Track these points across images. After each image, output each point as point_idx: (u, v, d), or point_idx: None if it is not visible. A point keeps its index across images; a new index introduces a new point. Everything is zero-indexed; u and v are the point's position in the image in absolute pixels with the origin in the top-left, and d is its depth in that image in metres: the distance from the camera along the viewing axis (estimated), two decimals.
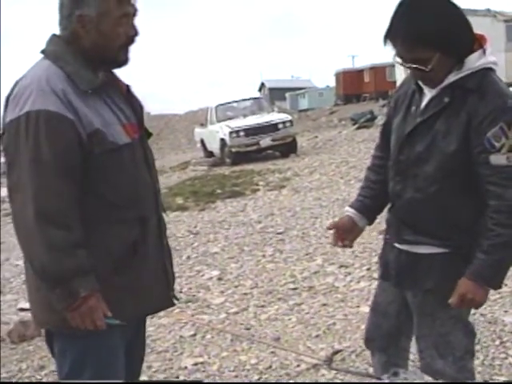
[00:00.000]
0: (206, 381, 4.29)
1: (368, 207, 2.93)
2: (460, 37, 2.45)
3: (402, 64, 2.52)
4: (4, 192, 22.24)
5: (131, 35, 2.39)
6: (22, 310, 6.62)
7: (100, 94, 2.32)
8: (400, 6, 2.47)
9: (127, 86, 2.52)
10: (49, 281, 2.20)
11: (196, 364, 4.58)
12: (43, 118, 2.17)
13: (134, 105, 2.51)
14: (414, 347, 2.95)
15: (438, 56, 2.41)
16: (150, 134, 2.60)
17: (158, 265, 2.50)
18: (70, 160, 2.21)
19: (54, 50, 2.34)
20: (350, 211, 2.94)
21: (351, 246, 3.01)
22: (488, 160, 2.42)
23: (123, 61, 2.42)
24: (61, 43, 2.36)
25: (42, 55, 2.39)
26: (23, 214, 2.17)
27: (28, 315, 6.25)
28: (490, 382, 3.78)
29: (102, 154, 2.26)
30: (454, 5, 2.48)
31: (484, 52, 2.50)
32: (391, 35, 2.47)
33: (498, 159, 2.41)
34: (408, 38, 2.43)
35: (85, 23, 2.30)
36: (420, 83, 2.61)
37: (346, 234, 2.93)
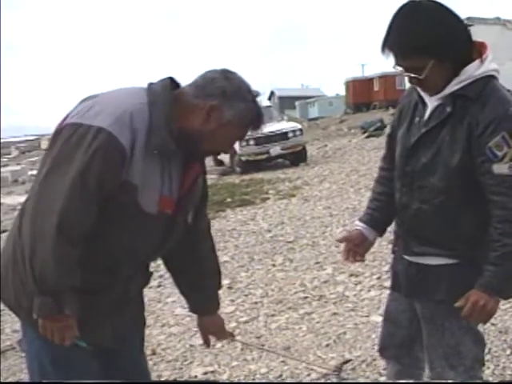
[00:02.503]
0: None
1: (377, 220, 2.92)
2: (455, 44, 2.44)
3: (401, 72, 2.53)
4: (13, 200, 22.27)
5: (223, 151, 2.53)
6: None
7: (162, 157, 2.31)
8: (395, 15, 2.48)
9: (198, 174, 2.53)
10: (42, 287, 2.16)
11: (206, 373, 4.58)
12: (109, 143, 2.17)
13: (192, 190, 2.50)
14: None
15: (432, 63, 2.42)
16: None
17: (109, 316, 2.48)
18: (104, 190, 2.21)
19: (158, 94, 2.33)
20: (359, 225, 2.93)
21: (363, 260, 3.01)
22: (490, 169, 2.42)
23: (194, 159, 2.46)
24: (168, 94, 2.35)
25: (146, 85, 2.39)
26: (45, 217, 2.14)
27: None
28: (489, 382, 3.77)
29: (120, 204, 2.26)
30: (451, 12, 2.47)
31: (482, 60, 2.50)
32: (387, 45, 2.48)
33: (500, 168, 2.41)
34: (402, 47, 2.44)
35: (211, 113, 2.32)
36: (421, 93, 2.62)
37: (356, 247, 2.92)
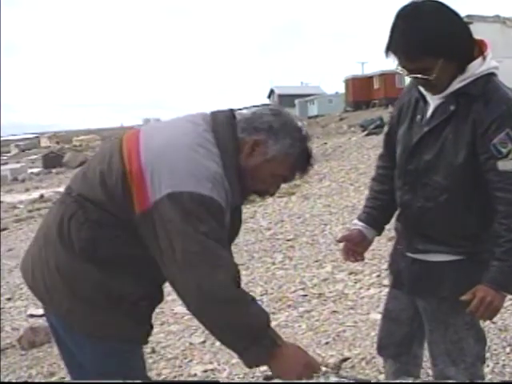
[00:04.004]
0: None
1: (376, 218, 2.92)
2: (461, 42, 2.45)
3: (405, 74, 2.52)
4: (12, 198, 22.30)
5: (268, 192, 2.49)
6: (32, 316, 6.63)
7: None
8: (398, 17, 2.46)
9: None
10: (255, 336, 2.26)
11: (206, 371, 4.58)
12: (218, 208, 2.24)
13: (235, 222, 2.52)
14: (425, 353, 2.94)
15: (441, 62, 2.41)
16: None
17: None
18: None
19: (227, 142, 2.34)
20: (358, 224, 2.93)
21: (363, 259, 3.01)
22: (495, 166, 2.43)
23: (238, 202, 2.46)
24: (235, 140, 2.35)
25: (210, 118, 2.41)
26: (216, 286, 2.20)
27: (38, 321, 6.27)
28: (488, 382, 3.76)
29: None
30: (452, 11, 2.47)
31: (484, 58, 2.51)
32: (392, 48, 2.47)
33: (505, 165, 2.43)
34: (409, 50, 2.43)
35: (255, 148, 2.34)
36: (423, 91, 2.61)
37: (356, 247, 2.92)
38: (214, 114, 2.42)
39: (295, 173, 2.44)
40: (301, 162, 2.41)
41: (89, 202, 2.34)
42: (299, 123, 2.42)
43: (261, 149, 2.33)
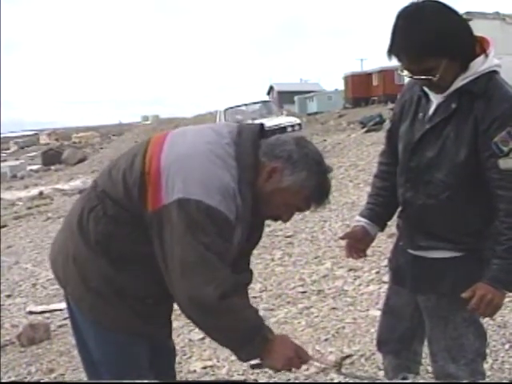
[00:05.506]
0: None
1: (379, 215, 2.92)
2: (463, 41, 2.45)
3: (409, 76, 2.51)
4: (11, 195, 22.31)
5: (280, 218, 2.53)
6: (31, 313, 6.64)
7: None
8: (398, 19, 2.45)
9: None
10: (250, 335, 2.33)
11: (205, 367, 4.58)
12: (225, 221, 2.28)
13: (253, 236, 2.62)
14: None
15: (445, 63, 2.41)
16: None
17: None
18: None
19: (246, 157, 2.37)
20: (362, 221, 2.93)
21: (365, 256, 3.01)
22: (496, 164, 2.43)
23: (250, 217, 2.48)
24: (252, 154, 2.38)
25: (236, 130, 2.44)
26: (205, 298, 2.26)
27: (37, 318, 6.28)
28: (488, 382, 3.77)
29: None
30: (452, 10, 2.46)
31: (487, 55, 2.50)
32: (395, 50, 2.46)
33: (506, 163, 2.42)
34: (413, 51, 2.41)
35: (272, 174, 2.37)
36: (426, 90, 2.61)
37: (358, 243, 2.92)
38: (241, 128, 2.46)
39: (310, 204, 2.47)
40: (316, 195, 2.43)
41: (109, 199, 2.43)
42: (321, 157, 2.44)
43: (277, 176, 2.37)
